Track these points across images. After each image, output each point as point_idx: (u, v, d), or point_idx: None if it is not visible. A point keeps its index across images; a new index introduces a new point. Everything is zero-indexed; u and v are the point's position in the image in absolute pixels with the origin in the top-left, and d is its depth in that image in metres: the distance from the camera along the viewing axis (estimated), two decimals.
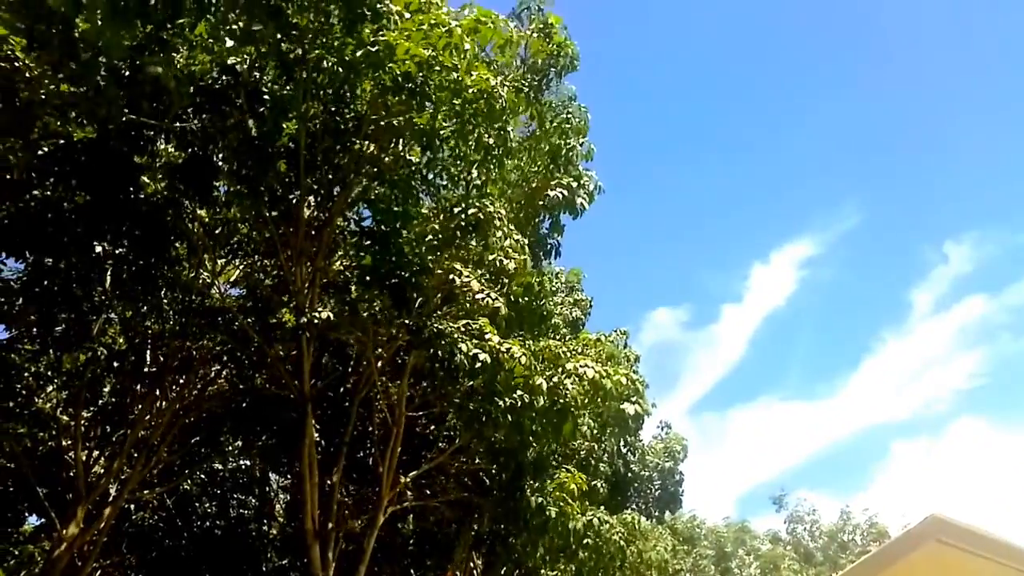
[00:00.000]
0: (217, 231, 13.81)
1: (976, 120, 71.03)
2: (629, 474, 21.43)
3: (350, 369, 16.30)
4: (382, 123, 11.04)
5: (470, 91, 10.38)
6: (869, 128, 75.17)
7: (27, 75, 8.96)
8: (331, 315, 12.36)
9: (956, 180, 75.52)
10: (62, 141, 10.08)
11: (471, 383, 13.25)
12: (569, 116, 13.73)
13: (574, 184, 13.39)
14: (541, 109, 13.37)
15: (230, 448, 17.59)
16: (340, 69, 10.33)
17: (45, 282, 11.68)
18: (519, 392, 13.02)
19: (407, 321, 12.48)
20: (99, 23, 7.53)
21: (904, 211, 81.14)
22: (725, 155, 78.75)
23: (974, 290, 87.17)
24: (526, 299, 13.68)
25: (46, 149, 9.95)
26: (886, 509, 76.82)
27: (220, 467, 18.21)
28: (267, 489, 19.26)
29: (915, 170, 74.40)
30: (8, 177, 10.19)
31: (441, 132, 11.08)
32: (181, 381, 15.78)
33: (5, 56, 8.94)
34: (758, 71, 70.99)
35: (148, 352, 15.15)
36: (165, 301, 14.12)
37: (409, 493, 16.52)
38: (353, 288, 14.27)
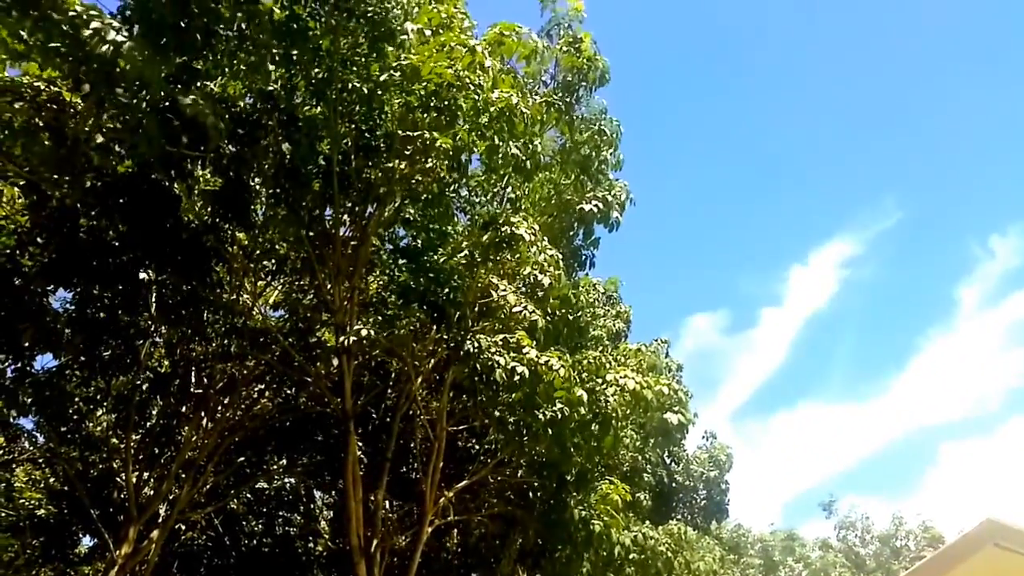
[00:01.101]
0: (256, 253, 14.03)
1: (1019, 109, 69.17)
2: (673, 484, 21.16)
3: (391, 385, 16.39)
4: (411, 141, 11.14)
5: (493, 108, 10.45)
6: (906, 121, 73.59)
7: (73, 113, 9.23)
8: (371, 332, 12.46)
9: (999, 172, 73.49)
10: (106, 174, 10.33)
11: (511, 397, 13.23)
12: (601, 128, 13.69)
13: (608, 197, 13.34)
14: (572, 123, 13.36)
15: (275, 467, 17.78)
16: (367, 89, 10.46)
17: (92, 311, 11.95)
18: (559, 405, 12.94)
19: (445, 337, 12.53)
20: (138, 63, 7.70)
21: (946, 206, 79.02)
22: (758, 156, 77.77)
23: (1023, 285, 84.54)
24: (563, 312, 13.62)
25: (91, 182, 10.21)
26: (938, 512, 74.76)
27: (266, 486, 18.40)
28: (312, 507, 19.41)
29: (956, 163, 72.60)
30: (56, 210, 10.48)
31: (468, 148, 11.13)
32: (225, 402, 16.02)
33: (54, 97, 9.23)
34: (791, 69, 70.11)
35: (193, 375, 15.40)
36: (208, 324, 14.36)
37: (452, 508, 16.53)
38: (391, 305, 14.40)
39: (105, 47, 8.06)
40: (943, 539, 41.80)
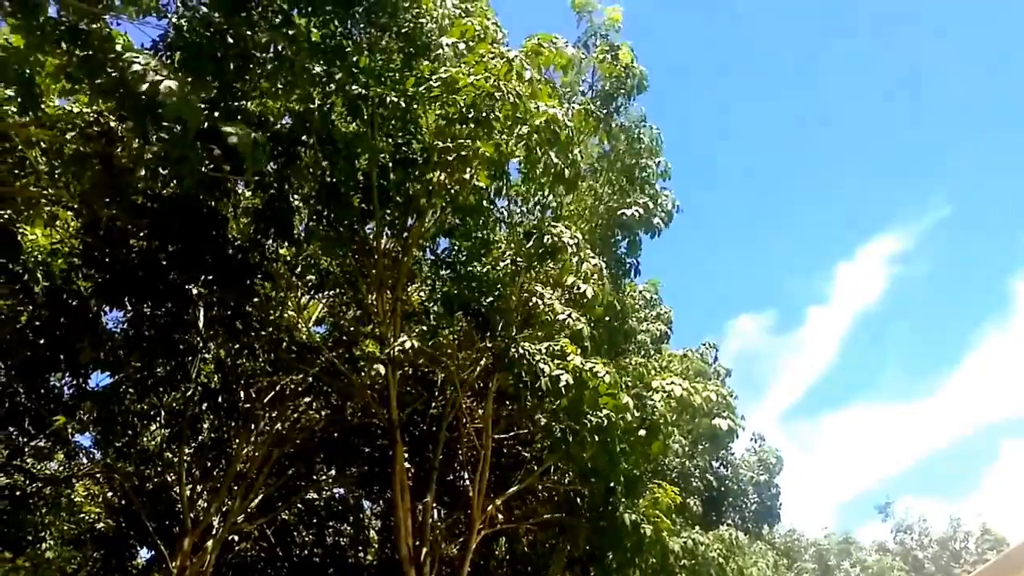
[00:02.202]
0: (299, 268, 14.25)
1: None
2: (722, 489, 20.84)
3: (436, 395, 16.47)
4: (449, 152, 11.20)
5: (534, 120, 10.46)
6: (954, 112, 71.51)
7: (121, 143, 9.53)
8: (415, 343, 12.54)
9: None
10: (153, 197, 10.62)
11: (556, 403, 13.18)
12: (640, 136, 13.63)
13: (650, 204, 13.26)
14: (612, 131, 13.34)
15: (324, 478, 17.99)
16: (403, 103, 10.54)
17: (145, 329, 12.26)
18: (605, 411, 12.85)
19: (490, 344, 12.55)
20: (177, 102, 7.92)
21: (996, 197, 76.40)
22: (801, 154, 76.30)
23: None
24: (607, 319, 13.54)
25: (139, 205, 10.50)
26: (1000, 512, 72.24)
27: (315, 497, 18.62)
28: (361, 516, 19.58)
29: (1005, 154, 70.19)
30: (107, 233, 10.79)
31: (508, 159, 11.14)
32: (274, 415, 16.27)
33: (102, 127, 9.54)
34: (835, 64, 68.76)
35: (241, 389, 15.68)
36: (255, 339, 14.61)
37: (500, 516, 16.51)
38: (433, 315, 14.48)
39: (145, 86, 8.29)
40: (1005, 541, 40.49)
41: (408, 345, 12.38)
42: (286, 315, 15.00)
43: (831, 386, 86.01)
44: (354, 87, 10.24)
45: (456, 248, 13.77)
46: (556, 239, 11.48)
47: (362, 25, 10.09)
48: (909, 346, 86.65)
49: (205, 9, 9.80)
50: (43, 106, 9.85)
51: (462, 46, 10.10)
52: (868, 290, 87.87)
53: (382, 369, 13.83)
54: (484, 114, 10.20)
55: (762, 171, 76.62)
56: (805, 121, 74.01)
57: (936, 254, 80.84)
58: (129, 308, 12.23)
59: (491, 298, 12.18)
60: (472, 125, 10.42)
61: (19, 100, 8.56)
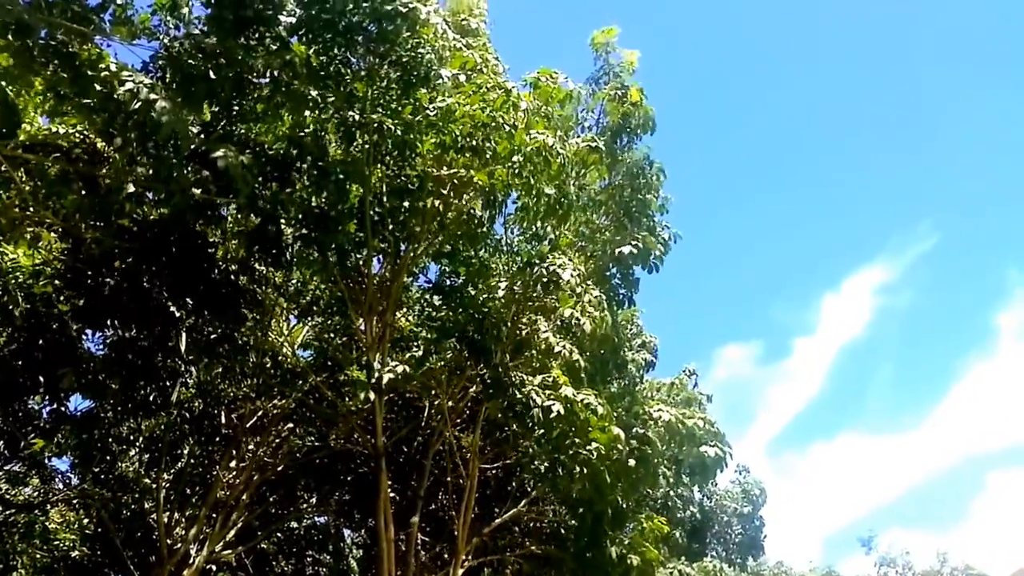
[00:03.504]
0: (289, 291, 14.06)
1: None
2: (707, 520, 20.72)
3: (422, 422, 16.27)
4: (444, 180, 11.16)
5: (528, 149, 10.46)
6: (940, 144, 72.50)
7: (107, 164, 9.37)
8: (406, 369, 12.39)
9: None
10: (140, 219, 10.44)
11: (545, 434, 13.05)
12: (642, 171, 13.76)
13: (649, 237, 13.31)
14: (614, 166, 13.46)
15: (305, 506, 17.65)
16: (399, 131, 10.50)
17: (126, 353, 11.99)
18: (595, 444, 12.72)
19: (483, 372, 12.43)
20: (169, 120, 7.81)
21: (982, 230, 77.21)
22: (788, 184, 76.91)
23: None
24: (602, 352, 13.50)
25: (125, 228, 10.31)
26: (986, 545, 72.43)
27: (296, 525, 18.26)
28: (342, 546, 19.22)
29: (992, 187, 71.13)
30: (91, 255, 10.58)
31: (504, 188, 11.13)
32: (256, 441, 15.96)
33: (88, 148, 9.37)
34: (821, 96, 69.62)
35: (223, 414, 15.38)
36: (239, 364, 14.36)
37: (485, 547, 16.27)
38: (422, 342, 14.34)
39: (137, 104, 8.18)
40: None
41: (401, 370, 12.22)
42: (271, 339, 14.78)
43: (817, 417, 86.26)
44: (350, 113, 10.15)
45: (449, 272, 13.68)
46: (556, 273, 11.46)
47: (361, 52, 10.02)
48: (895, 377, 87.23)
49: (197, 32, 9.71)
50: (26, 128, 9.69)
51: (461, 77, 10.10)
52: (854, 321, 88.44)
53: (371, 395, 13.64)
54: (480, 143, 10.18)
55: (749, 201, 77.23)
56: (791, 151, 74.84)
57: (921, 286, 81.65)
58: (112, 331, 11.95)
59: (490, 324, 12.06)
60: (468, 154, 10.40)
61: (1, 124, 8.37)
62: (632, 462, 13.54)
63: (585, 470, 12.78)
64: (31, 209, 10.06)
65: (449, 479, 15.99)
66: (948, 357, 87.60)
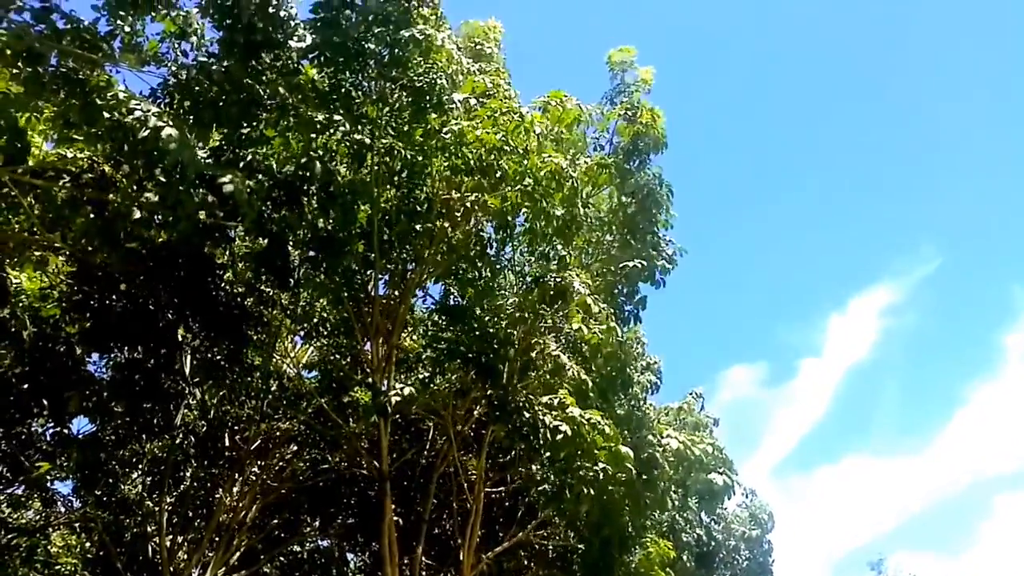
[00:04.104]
0: (296, 313, 14.02)
1: None
2: (714, 544, 20.51)
3: (427, 445, 16.16)
4: (455, 203, 11.16)
5: (540, 172, 10.47)
6: (945, 165, 72.58)
7: (114, 189, 9.39)
8: (414, 391, 12.32)
9: None
10: (147, 245, 10.45)
11: (553, 456, 12.96)
12: (650, 190, 13.79)
13: (652, 252, 13.30)
14: (622, 185, 13.48)
15: (308, 529, 17.48)
16: (410, 154, 10.52)
17: (131, 376, 11.94)
18: (602, 464, 12.62)
19: (490, 393, 12.35)
20: (177, 148, 7.84)
21: (987, 251, 77.03)
22: (794, 205, 76.86)
23: None
24: (608, 369, 13.43)
25: (133, 251, 10.31)
26: (995, 569, 71.55)
27: (299, 549, 18.07)
28: (346, 570, 19.00)
29: (996, 207, 71.07)
30: (98, 278, 10.56)
31: (515, 209, 11.12)
32: (260, 464, 15.85)
33: (96, 173, 9.39)
34: (826, 115, 69.84)
35: (227, 436, 15.28)
36: (243, 385, 14.30)
37: (491, 571, 16.10)
38: (427, 363, 14.28)
39: (146, 132, 8.22)
40: None
41: (408, 392, 12.15)
42: (276, 360, 14.73)
43: (824, 439, 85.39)
44: (360, 136, 10.17)
45: (455, 293, 13.63)
46: (566, 283, 11.43)
47: (372, 76, 10.07)
48: (901, 399, 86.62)
49: (205, 58, 9.77)
50: (34, 153, 9.72)
51: (473, 101, 10.13)
52: (860, 342, 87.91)
53: (375, 417, 13.56)
54: (492, 166, 10.19)
55: (754, 221, 77.19)
56: (797, 172, 74.91)
57: (927, 307, 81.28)
58: (117, 354, 11.91)
59: (498, 344, 12.01)
60: (479, 176, 10.41)
61: (8, 150, 8.39)
62: (639, 485, 13.42)
63: (592, 491, 12.66)
64: (39, 233, 10.05)
65: (454, 502, 15.85)
66: (954, 378, 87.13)
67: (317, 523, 17.39)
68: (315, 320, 14.24)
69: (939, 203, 73.31)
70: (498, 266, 13.11)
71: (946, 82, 64.91)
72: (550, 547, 16.49)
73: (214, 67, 9.48)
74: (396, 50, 9.43)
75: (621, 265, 13.40)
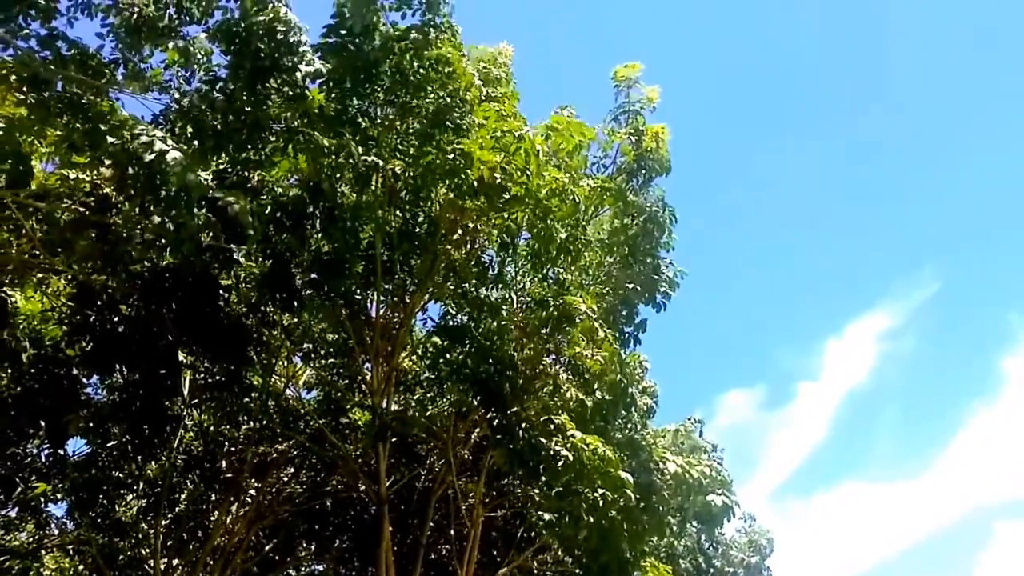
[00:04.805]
0: (297, 334, 14.00)
1: None
2: (712, 571, 20.37)
3: (425, 468, 16.07)
4: (458, 225, 11.19)
5: (543, 191, 10.51)
6: (943, 189, 72.88)
7: (117, 211, 9.42)
8: (415, 413, 12.30)
9: None
10: (148, 267, 10.46)
11: (551, 482, 12.89)
12: (653, 213, 13.80)
13: (652, 275, 13.32)
14: (625, 207, 13.50)
15: (304, 553, 17.33)
16: (416, 177, 10.56)
17: (130, 397, 11.90)
18: (601, 490, 12.55)
19: (491, 416, 12.30)
20: (182, 173, 7.89)
21: (986, 275, 77.21)
22: (791, 230, 76.96)
23: None
24: (610, 393, 13.39)
25: (136, 273, 10.32)
26: None
27: (294, 573, 17.91)
28: None
29: (994, 232, 71.29)
30: (101, 301, 10.55)
31: (517, 232, 11.17)
32: (256, 486, 15.74)
33: (99, 196, 9.42)
34: (824, 138, 70.10)
35: (224, 458, 15.19)
36: (242, 405, 14.25)
37: None
38: (426, 384, 14.23)
39: (151, 155, 8.25)
40: None
41: (411, 414, 12.12)
42: (274, 381, 14.68)
43: (822, 464, 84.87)
44: (366, 157, 10.20)
45: (455, 313, 13.60)
46: (571, 307, 11.43)
47: (381, 102, 10.14)
48: (900, 424, 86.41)
49: (207, 87, 9.83)
50: (38, 176, 9.74)
51: (481, 123, 10.18)
52: (858, 367, 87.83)
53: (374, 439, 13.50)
54: (496, 187, 10.23)
55: (753, 246, 77.28)
56: (795, 195, 75.12)
57: (925, 332, 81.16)
58: (117, 376, 11.88)
59: (502, 366, 11.99)
60: (482, 199, 10.45)
61: (12, 174, 8.43)
62: (638, 511, 13.34)
63: (591, 518, 12.59)
64: (41, 256, 10.04)
65: (452, 526, 15.74)
66: (953, 404, 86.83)
67: (313, 547, 17.24)
68: (315, 341, 14.21)
69: (938, 227, 73.54)
70: (500, 287, 13.10)
71: (947, 110, 65.29)
72: (548, 573, 16.36)
73: (217, 96, 9.56)
74: (415, 74, 9.49)
75: (621, 288, 13.38)
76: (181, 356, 12.62)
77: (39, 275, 10.45)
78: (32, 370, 10.70)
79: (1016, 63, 54.89)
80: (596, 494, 12.49)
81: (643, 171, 13.79)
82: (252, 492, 15.73)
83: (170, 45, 9.35)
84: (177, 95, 9.69)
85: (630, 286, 13.33)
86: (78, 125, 8.57)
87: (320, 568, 18.14)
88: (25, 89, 8.08)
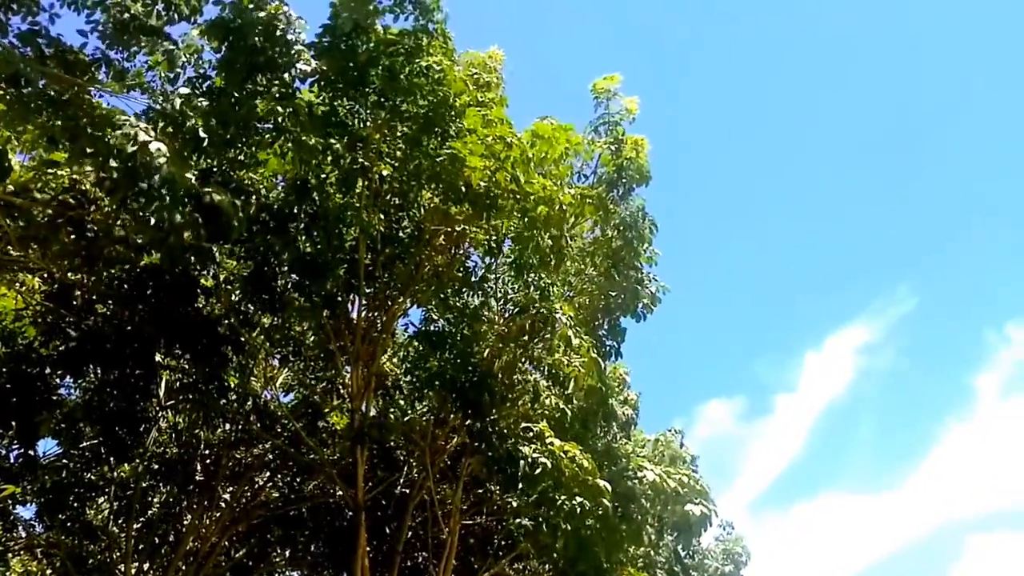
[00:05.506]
0: (276, 337, 13.87)
1: None
2: None
3: (402, 473, 15.96)
4: (443, 231, 11.16)
5: (531, 198, 10.52)
6: (921, 207, 74.11)
7: (96, 208, 9.27)
8: (393, 417, 12.22)
9: (1015, 261, 73.44)
10: (127, 266, 10.30)
11: (529, 489, 12.86)
12: (635, 223, 13.87)
13: (636, 287, 13.36)
14: (606, 217, 13.53)
15: (278, 559, 17.12)
16: (403, 180, 10.52)
17: (104, 399, 11.71)
18: (579, 498, 12.55)
19: (469, 422, 12.26)
20: (169, 166, 7.78)
21: (962, 293, 78.71)
22: (772, 242, 77.77)
23: None
24: (589, 402, 13.40)
25: (113, 271, 10.16)
26: None
27: None
28: None
29: (971, 250, 72.71)
30: (74, 299, 10.39)
31: (502, 240, 11.17)
32: (231, 490, 15.55)
33: (79, 192, 9.27)
34: (804, 152, 70.88)
35: (198, 461, 15.00)
36: (219, 408, 14.08)
37: None
38: (406, 387, 14.14)
39: (134, 147, 8.13)
40: None
41: (390, 419, 12.05)
42: (251, 384, 14.53)
43: (800, 476, 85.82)
44: (354, 161, 10.15)
45: (437, 318, 13.55)
46: (549, 315, 11.43)
47: (371, 106, 10.09)
48: (877, 437, 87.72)
49: (188, 90, 9.70)
50: (16, 173, 9.57)
51: (469, 128, 10.17)
52: (836, 380, 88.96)
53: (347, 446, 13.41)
54: (482, 193, 10.23)
55: (734, 256, 77.94)
56: (775, 210, 75.87)
57: (902, 347, 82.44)
58: (91, 376, 11.68)
59: (476, 373, 11.95)
60: (467, 205, 10.42)
61: None
62: (616, 519, 13.34)
63: (569, 526, 12.58)
64: (16, 252, 9.86)
65: (429, 533, 15.64)
66: (929, 418, 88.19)
67: (288, 552, 17.04)
68: (295, 343, 14.09)
69: (916, 245, 74.78)
70: (482, 293, 13.08)
71: (927, 129, 66.41)
72: None
73: (201, 101, 9.45)
74: (406, 78, 9.46)
75: (603, 298, 13.42)
76: (158, 357, 12.48)
77: (15, 271, 10.24)
78: (3, 369, 10.48)
79: (990, 82, 55.92)
80: (574, 502, 12.48)
81: (623, 181, 13.86)
82: (227, 496, 15.56)
83: (156, 48, 9.20)
84: (160, 98, 9.56)
85: (613, 294, 13.36)
86: (58, 122, 8.43)
87: (295, 574, 17.94)
88: (3, 86, 7.91)
